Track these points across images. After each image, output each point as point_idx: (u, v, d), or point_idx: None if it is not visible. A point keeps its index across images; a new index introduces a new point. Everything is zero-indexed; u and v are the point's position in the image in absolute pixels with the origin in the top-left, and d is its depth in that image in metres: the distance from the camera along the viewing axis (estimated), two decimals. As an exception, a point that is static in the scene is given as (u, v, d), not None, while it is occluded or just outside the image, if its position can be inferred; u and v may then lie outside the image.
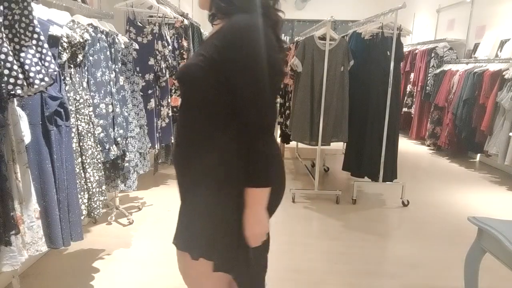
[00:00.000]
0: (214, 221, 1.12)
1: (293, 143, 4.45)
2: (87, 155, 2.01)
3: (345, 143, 3.75)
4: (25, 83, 1.35)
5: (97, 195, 2.08)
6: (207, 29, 3.99)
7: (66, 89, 1.88)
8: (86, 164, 2.01)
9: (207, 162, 1.09)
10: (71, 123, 1.86)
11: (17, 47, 1.36)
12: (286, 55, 1.19)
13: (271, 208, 1.15)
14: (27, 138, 1.54)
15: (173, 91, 3.39)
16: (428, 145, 6.01)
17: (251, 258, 1.17)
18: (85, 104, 2.01)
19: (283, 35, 10.89)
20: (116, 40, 2.37)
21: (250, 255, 1.16)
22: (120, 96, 2.41)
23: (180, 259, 1.24)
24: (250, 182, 1.05)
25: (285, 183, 1.24)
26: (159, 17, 3.12)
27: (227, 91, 1.02)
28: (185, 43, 3.48)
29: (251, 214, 1.09)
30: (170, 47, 3.20)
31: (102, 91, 2.18)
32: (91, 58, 2.11)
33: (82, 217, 1.95)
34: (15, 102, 1.48)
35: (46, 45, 1.44)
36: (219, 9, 1.08)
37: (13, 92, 1.32)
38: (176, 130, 1.22)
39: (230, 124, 1.06)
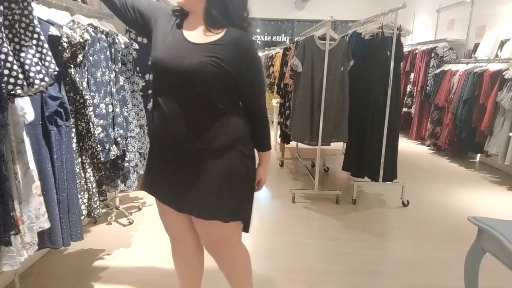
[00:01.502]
0: (240, 182, 1.41)
1: (293, 143, 4.45)
2: (87, 155, 2.01)
3: (345, 143, 3.75)
4: (25, 83, 1.35)
5: (97, 195, 2.09)
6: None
7: (66, 89, 1.88)
8: (86, 164, 2.01)
9: (227, 133, 1.36)
10: (71, 123, 1.86)
11: (17, 47, 1.36)
12: None
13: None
14: (30, 116, 1.55)
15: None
16: (428, 145, 6.01)
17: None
18: (85, 104, 2.01)
19: (283, 35, 10.92)
20: (116, 40, 2.37)
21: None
22: (120, 96, 2.41)
23: (206, 228, 1.44)
24: (268, 148, 1.49)
25: None
26: (159, 17, 3.12)
27: (233, 83, 1.33)
28: (185, 43, 3.48)
29: (266, 168, 1.52)
30: (170, 47, 3.20)
31: (102, 91, 2.18)
32: (91, 58, 2.11)
33: (82, 217, 1.95)
34: (15, 102, 1.48)
35: (46, 45, 1.44)
36: (215, 20, 1.30)
37: (13, 92, 1.32)
38: (183, 109, 1.34)
39: (235, 103, 1.39)
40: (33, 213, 1.55)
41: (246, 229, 1.53)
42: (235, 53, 1.29)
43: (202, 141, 1.33)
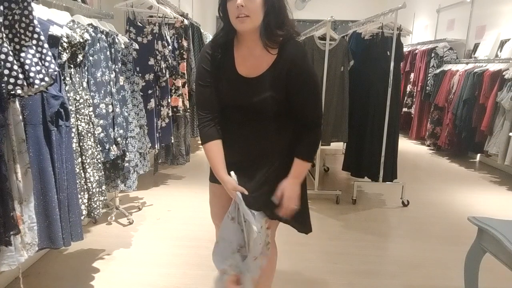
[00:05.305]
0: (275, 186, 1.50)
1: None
2: (87, 155, 2.01)
3: (345, 143, 3.75)
4: (25, 83, 1.35)
5: (97, 195, 2.08)
6: (207, 29, 3.99)
7: (66, 89, 1.88)
8: (86, 164, 2.01)
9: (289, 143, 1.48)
10: (71, 123, 1.86)
11: (17, 47, 1.36)
12: None
13: None
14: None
15: (173, 91, 3.39)
16: (428, 145, 6.00)
17: None
18: (85, 104, 2.01)
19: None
20: (116, 40, 2.37)
21: None
22: (120, 96, 2.41)
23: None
24: (310, 158, 1.48)
25: None
26: (159, 17, 3.12)
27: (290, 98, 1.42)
28: (185, 43, 3.48)
29: (296, 184, 1.48)
30: (170, 47, 3.20)
31: (102, 91, 2.18)
32: (91, 58, 2.11)
33: (82, 217, 1.95)
34: (17, 102, 1.48)
35: (46, 45, 1.44)
36: (273, 38, 1.34)
37: (13, 92, 1.32)
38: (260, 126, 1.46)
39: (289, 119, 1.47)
40: (33, 212, 1.54)
41: (303, 230, 1.64)
42: (290, 75, 1.36)
43: (261, 145, 1.47)
